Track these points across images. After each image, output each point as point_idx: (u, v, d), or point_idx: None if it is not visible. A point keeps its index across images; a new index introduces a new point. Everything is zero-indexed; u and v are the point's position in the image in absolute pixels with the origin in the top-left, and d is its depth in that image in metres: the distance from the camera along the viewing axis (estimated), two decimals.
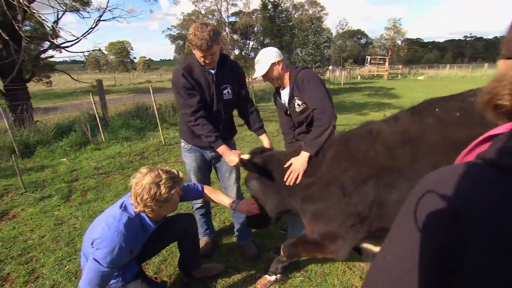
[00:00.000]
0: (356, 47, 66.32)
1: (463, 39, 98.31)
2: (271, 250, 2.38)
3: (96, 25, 8.01)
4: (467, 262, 0.38)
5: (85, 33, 7.57)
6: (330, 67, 27.15)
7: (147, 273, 2.05)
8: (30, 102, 7.42)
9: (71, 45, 7.90)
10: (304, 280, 2.08)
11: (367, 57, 33.68)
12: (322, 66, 15.40)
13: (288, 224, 2.46)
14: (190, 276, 2.07)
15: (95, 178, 4.16)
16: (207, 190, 1.95)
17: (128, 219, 1.48)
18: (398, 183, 1.27)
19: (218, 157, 2.16)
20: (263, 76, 1.99)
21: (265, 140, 2.14)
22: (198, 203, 2.35)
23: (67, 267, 2.31)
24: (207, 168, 2.28)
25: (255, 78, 2.40)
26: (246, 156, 1.82)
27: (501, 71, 0.46)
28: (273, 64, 1.94)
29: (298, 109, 2.00)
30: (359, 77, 28.42)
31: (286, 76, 2.01)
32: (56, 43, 7.45)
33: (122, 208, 1.51)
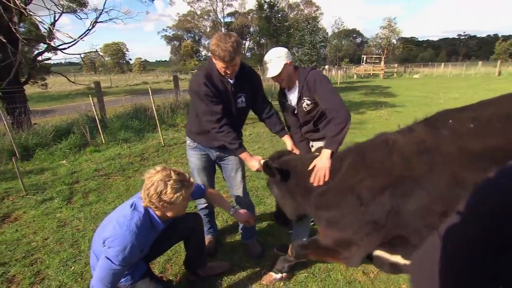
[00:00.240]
0: (351, 47, 66.68)
1: (457, 37, 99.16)
2: (274, 247, 2.41)
3: (93, 26, 8.00)
4: None
5: (82, 34, 7.57)
6: (326, 67, 27.32)
7: None
8: (28, 105, 7.38)
9: (68, 47, 7.88)
10: (308, 276, 2.12)
11: (363, 56, 33.85)
12: (318, 65, 15.53)
13: (293, 223, 2.49)
14: (196, 275, 2.10)
15: (95, 180, 4.16)
16: (209, 192, 2.02)
17: (139, 218, 1.52)
18: (415, 192, 1.29)
19: (223, 156, 2.19)
20: (275, 76, 1.97)
21: (288, 142, 2.14)
22: (202, 203, 2.38)
23: (73, 268, 2.32)
24: (212, 167, 2.31)
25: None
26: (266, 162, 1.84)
27: None
28: (286, 65, 1.95)
29: (306, 108, 2.03)
30: (355, 76, 28.60)
31: (295, 77, 2.04)
32: (53, 45, 7.43)
33: (133, 208, 1.54)
